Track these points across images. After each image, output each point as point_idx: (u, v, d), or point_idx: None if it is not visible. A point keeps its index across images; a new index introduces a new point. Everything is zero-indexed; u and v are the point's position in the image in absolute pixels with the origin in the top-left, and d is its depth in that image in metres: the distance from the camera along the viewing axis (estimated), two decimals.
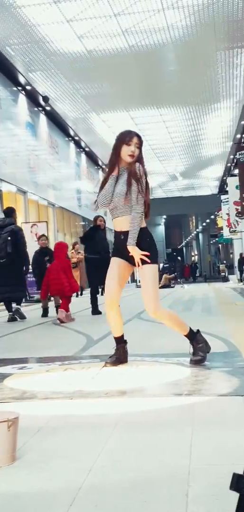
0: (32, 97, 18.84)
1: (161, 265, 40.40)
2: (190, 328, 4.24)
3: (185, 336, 4.22)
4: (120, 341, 4.29)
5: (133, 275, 37.00)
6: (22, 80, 17.57)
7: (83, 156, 27.07)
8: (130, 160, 4.17)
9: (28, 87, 18.09)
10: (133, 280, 36.37)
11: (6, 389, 3.61)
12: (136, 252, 4.05)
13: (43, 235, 11.64)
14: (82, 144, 26.03)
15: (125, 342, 4.32)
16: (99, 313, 9.56)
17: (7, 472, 2.10)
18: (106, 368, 4.14)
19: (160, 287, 26.41)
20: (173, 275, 30.84)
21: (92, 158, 28.45)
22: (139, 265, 4.07)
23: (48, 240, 11.77)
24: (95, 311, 9.78)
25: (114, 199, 4.19)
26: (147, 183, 4.20)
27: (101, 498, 1.83)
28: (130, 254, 4.10)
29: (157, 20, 14.34)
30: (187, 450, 2.23)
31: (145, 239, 4.14)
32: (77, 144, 25.60)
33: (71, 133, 23.88)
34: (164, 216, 52.47)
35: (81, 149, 26.56)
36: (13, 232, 9.24)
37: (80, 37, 15.07)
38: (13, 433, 2.20)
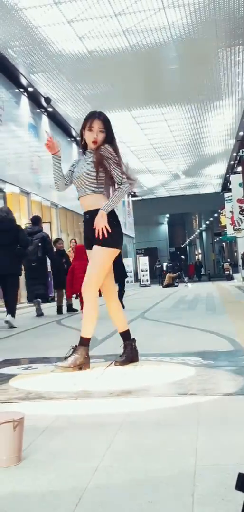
0: (34, 98, 18.86)
1: (164, 264, 40.41)
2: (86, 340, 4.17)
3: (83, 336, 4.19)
4: (126, 337, 4.28)
5: (136, 274, 37.01)
6: (24, 82, 17.60)
7: None
8: (93, 147, 4.11)
9: (30, 89, 18.11)
10: (137, 279, 36.40)
11: (11, 389, 3.62)
12: (100, 218, 3.96)
13: (60, 238, 12.76)
14: None
15: (133, 339, 4.31)
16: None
17: (13, 472, 2.11)
18: (110, 368, 4.14)
19: (164, 286, 26.43)
20: (177, 274, 30.81)
21: None
22: (97, 235, 3.95)
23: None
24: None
25: (79, 178, 4.12)
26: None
27: (107, 498, 1.83)
28: (92, 238, 4.01)
29: (157, 19, 14.34)
30: (192, 450, 2.23)
31: (111, 221, 4.04)
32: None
33: (74, 133, 23.89)
34: (167, 215, 52.45)
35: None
36: (43, 238, 10.49)
37: (81, 37, 15.08)
38: (18, 434, 2.21)
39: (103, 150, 4.05)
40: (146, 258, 35.76)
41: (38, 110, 19.61)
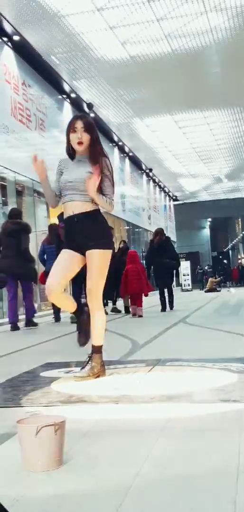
0: (77, 104, 19.03)
1: (206, 268, 40.05)
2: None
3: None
4: (81, 312, 4.18)
5: (178, 279, 36.79)
6: (67, 88, 17.79)
7: (127, 161, 27.15)
8: (79, 148, 3.99)
9: (72, 95, 18.29)
10: (178, 284, 36.20)
11: (53, 392, 3.65)
12: (91, 180, 3.85)
13: (124, 240, 13.45)
14: (126, 149, 26.12)
15: (86, 306, 4.15)
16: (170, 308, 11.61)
17: (54, 476, 2.12)
18: (152, 372, 4.12)
19: (206, 291, 26.22)
20: (219, 278, 30.52)
21: (136, 163, 28.50)
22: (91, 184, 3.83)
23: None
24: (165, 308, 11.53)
25: (71, 182, 3.99)
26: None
27: (148, 504, 1.83)
28: (81, 242, 3.93)
29: (199, 23, 14.26)
30: (234, 457, 2.20)
31: (99, 221, 4.01)
32: (121, 149, 25.70)
33: (115, 138, 23.99)
34: (209, 219, 52.00)
35: (125, 154, 26.64)
36: None
37: (124, 43, 15.14)
38: (60, 437, 2.22)
39: (103, 164, 3.98)
40: (188, 262, 35.54)
41: None
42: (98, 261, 3.95)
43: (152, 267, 11.75)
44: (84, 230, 3.95)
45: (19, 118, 14.31)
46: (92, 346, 4.09)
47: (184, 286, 33.97)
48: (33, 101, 15.43)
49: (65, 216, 4.07)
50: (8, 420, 2.91)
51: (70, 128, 4.02)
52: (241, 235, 60.61)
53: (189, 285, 33.75)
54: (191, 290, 32.50)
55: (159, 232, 11.83)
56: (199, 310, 12.09)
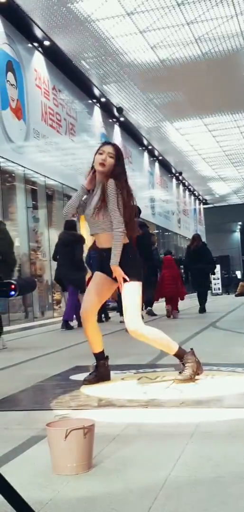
0: (107, 108, 19.09)
1: (238, 272, 39.61)
2: (179, 347, 4.01)
3: (174, 355, 4.00)
4: (100, 357, 4.19)
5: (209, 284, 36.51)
6: (96, 92, 17.87)
7: (156, 164, 27.12)
8: (100, 169, 3.93)
9: (102, 99, 18.36)
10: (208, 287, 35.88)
11: (82, 396, 3.67)
12: (118, 272, 3.85)
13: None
14: (156, 153, 26.08)
15: (106, 358, 4.23)
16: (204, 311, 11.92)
17: (84, 479, 2.13)
18: (177, 379, 4.08)
19: (236, 295, 25.97)
20: None
21: (165, 166, 28.44)
22: (121, 285, 3.88)
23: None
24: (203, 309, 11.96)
25: (89, 214, 3.95)
26: (128, 193, 3.98)
27: (177, 508, 1.82)
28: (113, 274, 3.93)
29: (230, 26, 14.17)
30: None
31: (126, 256, 3.88)
32: (151, 153, 25.68)
33: (145, 142, 23.98)
34: (240, 223, 51.54)
35: (155, 158, 26.61)
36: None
37: (153, 47, 15.14)
38: (89, 441, 2.23)
39: (110, 183, 3.86)
40: (218, 266, 35.21)
41: (110, 120, 19.83)
42: (130, 292, 3.90)
43: (190, 271, 12.35)
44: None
45: (50, 123, 14.44)
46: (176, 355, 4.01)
47: (214, 290, 33.67)
48: (63, 106, 15.55)
49: (97, 245, 4.12)
50: (38, 423, 2.93)
51: (98, 151, 4.00)
52: None
53: (219, 289, 33.45)
54: (221, 294, 32.22)
55: (196, 238, 12.35)
56: (229, 314, 11.99)
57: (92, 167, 4.01)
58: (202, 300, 12.17)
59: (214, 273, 14.23)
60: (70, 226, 9.98)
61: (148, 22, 13.77)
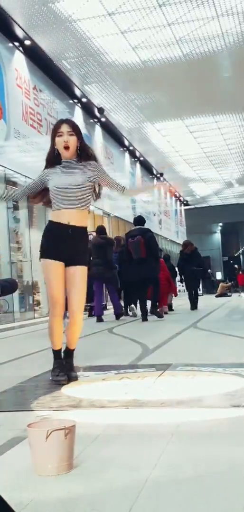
0: (88, 109, 19.07)
1: (218, 273, 39.82)
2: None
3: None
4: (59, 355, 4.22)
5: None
6: (78, 92, 17.83)
7: (138, 165, 27.16)
8: (66, 154, 3.96)
9: (83, 100, 18.33)
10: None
11: (63, 397, 3.65)
12: (136, 190, 4.06)
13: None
14: (137, 154, 26.13)
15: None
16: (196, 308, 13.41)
17: (65, 479, 2.13)
18: (162, 377, 4.11)
19: (216, 296, 26.15)
20: (230, 283, 30.39)
21: (147, 167, 28.51)
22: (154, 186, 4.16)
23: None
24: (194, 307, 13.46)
25: (68, 189, 3.94)
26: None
27: (158, 508, 1.82)
28: (70, 253, 3.98)
29: (211, 28, 14.26)
30: None
31: (86, 239, 4.15)
32: (132, 154, 25.71)
33: (126, 143, 24.01)
34: (220, 224, 51.87)
35: (136, 159, 26.66)
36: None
37: (135, 47, 15.16)
38: (70, 441, 2.22)
39: (94, 167, 4.05)
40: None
41: (91, 121, 19.82)
42: (85, 277, 4.08)
43: (183, 274, 13.96)
44: (78, 245, 4.02)
45: (30, 122, 14.37)
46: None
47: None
48: (44, 105, 15.49)
49: (56, 220, 4.02)
50: (19, 424, 2.91)
51: (56, 135, 3.97)
52: None
53: (199, 289, 33.54)
54: (202, 295, 32.36)
55: (188, 244, 14.09)
56: (210, 315, 12.06)
57: (51, 149, 4.06)
58: (194, 299, 13.62)
59: (204, 276, 15.81)
60: (101, 230, 11.62)
61: (129, 23, 13.79)
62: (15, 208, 14.27)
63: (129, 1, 12.78)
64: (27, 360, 5.97)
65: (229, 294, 26.33)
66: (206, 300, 15.93)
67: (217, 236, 53.51)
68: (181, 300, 16.21)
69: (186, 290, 14.81)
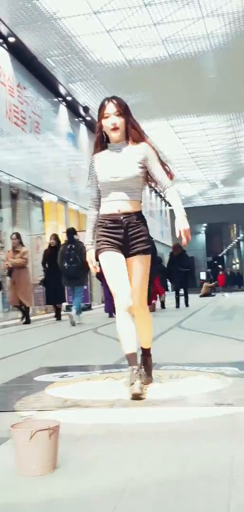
0: (73, 107, 19.03)
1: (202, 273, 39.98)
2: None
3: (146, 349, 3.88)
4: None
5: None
6: (62, 91, 17.78)
7: None
8: (114, 135, 3.55)
9: (68, 98, 18.28)
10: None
11: (47, 397, 3.63)
12: (186, 222, 3.61)
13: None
14: None
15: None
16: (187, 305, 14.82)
17: (48, 480, 2.11)
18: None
19: (201, 296, 26.27)
20: (214, 283, 30.55)
21: None
22: (186, 239, 3.60)
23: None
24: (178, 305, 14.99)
25: (119, 178, 3.51)
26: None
27: (142, 507, 1.82)
28: (134, 245, 3.53)
29: (196, 28, 14.29)
30: (228, 460, 2.20)
31: (146, 224, 3.69)
32: None
33: None
34: (204, 224, 52.16)
35: None
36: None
37: (120, 47, 15.15)
38: (54, 442, 2.21)
39: (146, 150, 3.58)
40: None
41: (76, 119, 19.77)
42: (147, 268, 3.65)
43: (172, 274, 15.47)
44: (134, 232, 3.58)
45: (14, 120, 14.29)
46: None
47: (180, 290, 33.84)
48: (28, 103, 15.41)
49: (108, 212, 3.59)
50: (2, 425, 2.89)
51: (103, 116, 3.59)
52: (236, 240, 60.80)
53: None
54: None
55: (178, 247, 15.13)
56: (194, 314, 12.10)
57: (99, 133, 3.68)
58: (186, 297, 15.29)
59: (192, 277, 17.58)
60: None
61: (115, 22, 13.77)
62: None
63: (114, 0, 12.77)
64: (11, 360, 5.94)
65: (213, 294, 26.44)
66: (190, 300, 15.98)
67: (202, 237, 53.81)
68: (168, 300, 16.33)
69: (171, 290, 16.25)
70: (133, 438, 2.63)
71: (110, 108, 3.59)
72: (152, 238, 11.81)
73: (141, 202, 3.72)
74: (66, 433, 2.50)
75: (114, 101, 3.62)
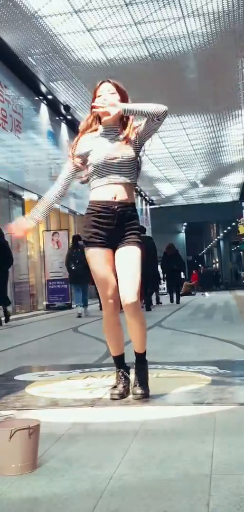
0: (54, 106, 18.96)
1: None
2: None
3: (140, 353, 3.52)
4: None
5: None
6: (43, 89, 17.71)
7: None
8: (107, 116, 3.37)
9: (49, 97, 18.22)
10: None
11: (27, 396, 3.63)
12: (116, 106, 3.36)
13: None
14: None
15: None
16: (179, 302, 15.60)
17: (28, 479, 2.11)
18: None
19: (181, 295, 26.39)
20: (194, 282, 30.70)
21: None
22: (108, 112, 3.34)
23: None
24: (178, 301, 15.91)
25: (116, 159, 3.32)
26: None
27: (122, 506, 1.83)
28: (124, 234, 3.30)
29: (177, 28, 14.34)
30: (208, 459, 2.22)
31: (137, 217, 3.46)
32: None
33: None
34: (185, 224, 52.35)
35: None
36: None
37: (101, 46, 15.14)
38: (34, 441, 2.21)
39: (135, 124, 3.51)
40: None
41: (57, 118, 19.71)
42: (139, 260, 3.33)
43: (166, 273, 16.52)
44: (128, 224, 3.35)
45: None
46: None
47: (160, 290, 33.94)
48: (9, 102, 15.32)
49: (100, 199, 3.33)
50: None
51: (96, 96, 3.44)
52: (216, 239, 61.14)
53: (164, 288, 33.78)
54: (167, 294, 32.55)
55: (171, 247, 16.18)
56: (174, 313, 12.14)
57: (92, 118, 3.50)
58: (177, 294, 16.11)
59: (184, 273, 18.73)
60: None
61: (96, 21, 13.75)
62: None
63: None
64: None
65: (193, 293, 26.54)
66: (169, 299, 16.07)
67: (182, 236, 53.97)
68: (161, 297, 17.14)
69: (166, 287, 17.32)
70: (113, 437, 2.64)
71: (105, 87, 3.47)
72: (151, 238, 12.03)
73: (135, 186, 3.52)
74: (46, 432, 2.50)
75: (110, 80, 3.52)
